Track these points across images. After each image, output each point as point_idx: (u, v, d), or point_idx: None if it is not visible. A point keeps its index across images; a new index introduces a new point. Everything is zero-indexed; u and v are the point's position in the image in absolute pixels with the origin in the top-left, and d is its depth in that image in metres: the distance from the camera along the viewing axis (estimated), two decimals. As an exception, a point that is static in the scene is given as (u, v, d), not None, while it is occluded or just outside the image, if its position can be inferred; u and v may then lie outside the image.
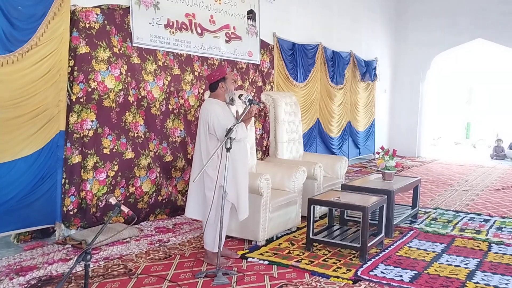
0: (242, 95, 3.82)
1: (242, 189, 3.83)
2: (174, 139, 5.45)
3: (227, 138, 3.49)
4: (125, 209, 2.80)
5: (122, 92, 4.80)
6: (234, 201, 3.81)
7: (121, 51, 4.80)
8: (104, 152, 4.66)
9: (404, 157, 11.69)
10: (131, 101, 4.90)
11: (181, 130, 5.53)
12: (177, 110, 5.48)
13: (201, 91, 5.76)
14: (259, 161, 5.53)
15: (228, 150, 3.48)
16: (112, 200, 2.81)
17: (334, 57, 8.94)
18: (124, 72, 4.82)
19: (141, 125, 5.04)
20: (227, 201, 3.71)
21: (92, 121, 4.53)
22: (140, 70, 5.02)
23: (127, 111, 4.87)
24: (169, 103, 5.38)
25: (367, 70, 10.36)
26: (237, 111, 3.93)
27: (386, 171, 5.21)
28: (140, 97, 5.02)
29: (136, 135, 4.97)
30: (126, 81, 4.85)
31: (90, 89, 4.50)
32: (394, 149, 5.41)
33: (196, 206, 3.86)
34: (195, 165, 3.86)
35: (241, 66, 6.52)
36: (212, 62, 5.98)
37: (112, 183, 4.73)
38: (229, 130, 3.49)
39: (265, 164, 5.30)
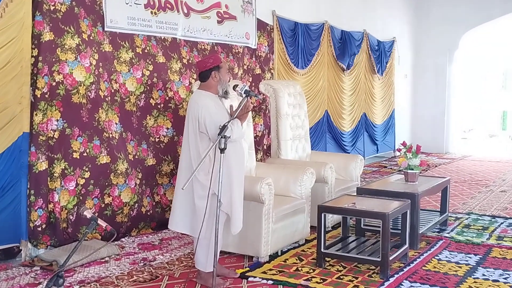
0: (237, 85, 3.82)
1: (237, 197, 3.84)
2: (158, 139, 5.46)
3: (221, 137, 3.49)
4: (102, 223, 2.80)
5: (94, 85, 4.81)
6: (228, 211, 3.82)
7: (91, 38, 4.80)
8: (74, 156, 4.67)
9: (430, 154, 11.73)
10: (102, 96, 4.90)
11: (167, 128, 5.54)
12: (162, 105, 5.49)
13: (193, 81, 5.76)
14: (259, 162, 5.53)
15: (222, 151, 3.49)
16: (87, 213, 2.82)
17: (343, 38, 8.95)
18: (94, 63, 4.82)
19: (116, 123, 5.04)
20: (221, 212, 3.72)
21: (57, 120, 4.54)
22: (112, 59, 5.02)
23: (99, 108, 4.87)
24: (150, 96, 5.38)
25: (381, 55, 10.38)
26: (231, 106, 3.93)
27: (409, 171, 5.22)
28: (112, 91, 5.03)
29: (110, 135, 4.97)
30: (97, 72, 4.86)
31: (54, 83, 4.50)
32: (418, 144, 5.43)
33: (183, 218, 3.87)
34: (183, 169, 3.86)
35: (237, 50, 6.53)
36: (202, 47, 5.99)
37: (83, 192, 4.75)
38: (223, 127, 3.49)
39: (266, 166, 5.30)
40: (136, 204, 5.18)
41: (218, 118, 3.71)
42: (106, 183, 4.94)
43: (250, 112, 4.61)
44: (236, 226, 3.87)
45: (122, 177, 5.05)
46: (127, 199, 5.10)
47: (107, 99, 4.95)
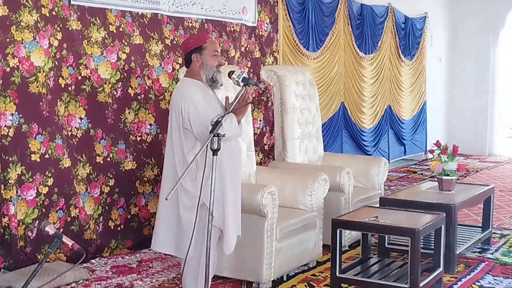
0: (233, 72, 3.82)
1: (230, 208, 3.84)
2: (139, 138, 5.48)
3: (213, 135, 3.48)
4: (68, 241, 2.81)
5: (52, 72, 4.81)
6: (221, 226, 3.82)
7: (53, 13, 4.81)
8: (33, 159, 4.68)
9: (470, 156, 11.74)
10: (63, 85, 4.90)
11: (151, 125, 5.55)
12: (142, 96, 5.50)
13: (177, 66, 5.77)
14: (260, 166, 5.54)
15: (215, 152, 3.49)
16: (50, 229, 2.82)
17: (363, 14, 8.96)
18: (55, 44, 4.82)
19: (80, 118, 5.05)
20: (214, 227, 3.73)
21: (12, 115, 4.55)
22: (81, 39, 5.03)
23: (58, 100, 4.88)
24: (128, 85, 5.40)
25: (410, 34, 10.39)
26: (227, 97, 3.93)
27: (444, 177, 5.24)
28: (80, 78, 5.03)
29: (70, 133, 4.98)
30: (59, 56, 4.86)
31: (8, 69, 4.50)
32: (454, 144, 5.43)
33: (167, 235, 3.87)
34: (166, 176, 3.88)
35: (232, 28, 6.53)
36: (190, 24, 6.00)
37: (45, 203, 4.75)
38: (216, 124, 3.49)
39: (269, 171, 5.31)
40: (102, 218, 5.19)
41: (206, 111, 3.71)
42: (71, 191, 4.95)
43: (250, 105, 4.57)
44: (228, 244, 3.86)
45: (83, 184, 5.05)
46: (90, 211, 5.10)
47: (69, 88, 4.95)
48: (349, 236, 5.43)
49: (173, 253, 3.96)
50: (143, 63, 5.53)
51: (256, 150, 6.60)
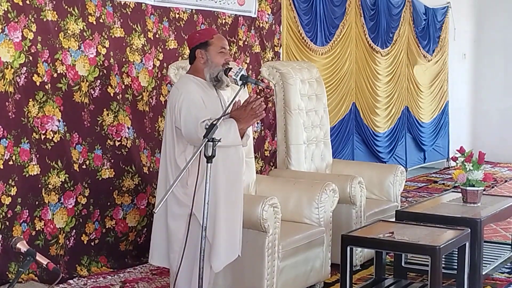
0: (230, 69, 3.83)
1: (222, 224, 3.83)
2: (118, 143, 5.49)
3: (208, 140, 3.48)
4: (43, 260, 2.81)
5: (25, 68, 4.82)
6: (210, 238, 3.82)
7: (27, 1, 4.81)
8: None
9: (498, 164, 11.72)
10: (38, 83, 4.91)
11: (129, 128, 5.57)
12: (121, 96, 5.51)
13: (158, 63, 5.80)
14: (261, 175, 5.53)
15: (209, 159, 3.49)
16: (22, 246, 2.81)
17: (377, 4, 8.99)
18: (30, 37, 4.83)
19: (58, 120, 5.06)
20: (208, 241, 3.73)
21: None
22: (56, 31, 5.05)
23: (30, 99, 4.88)
24: (108, 83, 5.41)
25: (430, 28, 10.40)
26: (239, 101, 3.90)
27: (468, 188, 5.24)
28: (55, 75, 5.05)
29: (42, 137, 4.98)
30: (34, 50, 4.87)
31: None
32: (480, 151, 5.43)
33: (163, 247, 3.89)
34: (159, 180, 3.92)
35: (225, 20, 6.54)
36: (177, 16, 6.02)
37: (9, 215, 4.73)
38: (211, 126, 3.49)
39: (271, 180, 5.31)
40: (74, 231, 5.17)
41: (198, 111, 3.71)
42: (37, 202, 4.92)
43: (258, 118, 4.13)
44: (216, 260, 3.85)
45: (54, 194, 5.05)
46: (62, 223, 5.09)
47: (46, 86, 4.96)
48: (361, 254, 5.43)
49: (167, 266, 3.99)
50: (124, 59, 5.55)
51: (255, 157, 6.60)
